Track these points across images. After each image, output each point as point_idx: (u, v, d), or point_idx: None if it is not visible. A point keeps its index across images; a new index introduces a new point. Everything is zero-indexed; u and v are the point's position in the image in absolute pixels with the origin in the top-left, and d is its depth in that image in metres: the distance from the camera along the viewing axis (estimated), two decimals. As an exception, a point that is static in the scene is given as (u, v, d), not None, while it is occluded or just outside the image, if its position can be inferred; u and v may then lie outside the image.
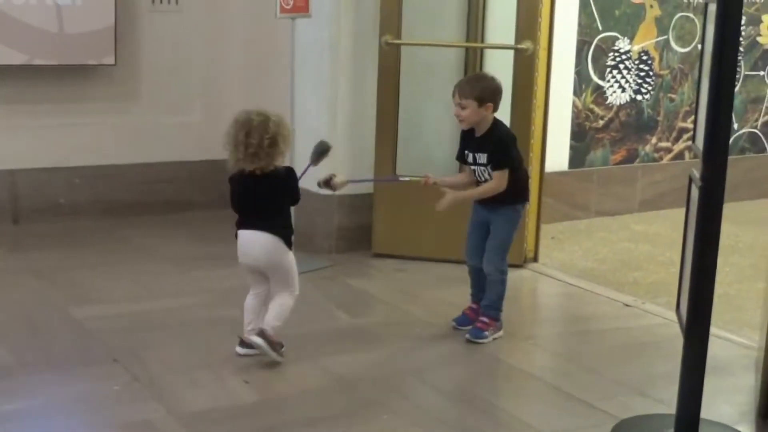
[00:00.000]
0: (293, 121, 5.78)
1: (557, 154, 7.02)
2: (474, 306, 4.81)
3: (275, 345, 4.20)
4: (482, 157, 4.56)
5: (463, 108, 4.51)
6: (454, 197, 4.64)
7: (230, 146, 4.13)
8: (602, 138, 7.49)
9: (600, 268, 6.11)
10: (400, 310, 5.07)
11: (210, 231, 6.56)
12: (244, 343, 4.28)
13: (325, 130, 5.91)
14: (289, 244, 4.25)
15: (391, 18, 5.79)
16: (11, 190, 6.50)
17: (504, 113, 5.72)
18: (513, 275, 5.60)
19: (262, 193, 4.18)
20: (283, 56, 6.12)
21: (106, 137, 6.76)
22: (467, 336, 4.64)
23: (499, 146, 4.55)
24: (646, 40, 7.57)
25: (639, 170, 7.73)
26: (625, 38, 7.44)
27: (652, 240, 6.83)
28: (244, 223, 4.24)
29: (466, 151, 4.64)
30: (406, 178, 5.12)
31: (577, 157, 7.38)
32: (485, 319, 4.64)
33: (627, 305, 5.29)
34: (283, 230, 4.23)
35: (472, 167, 4.63)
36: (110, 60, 6.54)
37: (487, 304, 4.67)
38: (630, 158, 7.69)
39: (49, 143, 6.58)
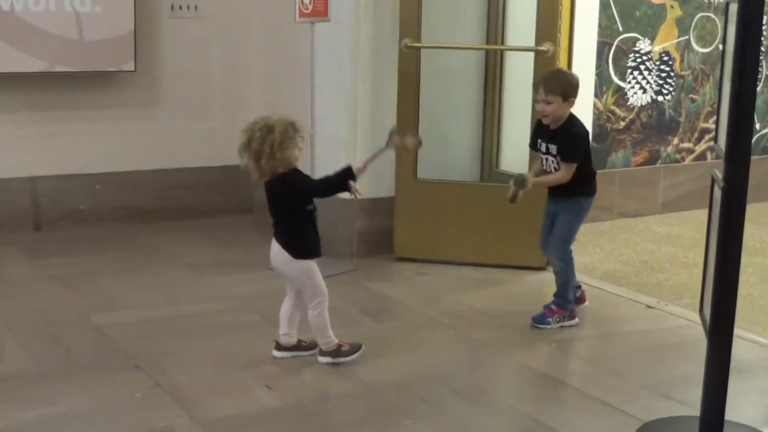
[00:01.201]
0: (313, 126, 5.78)
1: (578, 156, 6.99)
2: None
3: (338, 353, 4.26)
4: (553, 148, 4.73)
5: (548, 104, 4.66)
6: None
7: None
8: (624, 139, 7.45)
9: (623, 269, 6.08)
10: (422, 314, 5.06)
11: (231, 237, 6.57)
12: (279, 347, 4.32)
13: (345, 135, 5.91)
14: (297, 253, 4.15)
15: (410, 21, 5.78)
16: (32, 197, 6.52)
17: (525, 114, 5.72)
18: (534, 278, 5.64)
19: (269, 201, 4.18)
20: (302, 61, 6.11)
21: (127, 143, 6.78)
22: (532, 319, 4.82)
23: (571, 140, 4.70)
24: (667, 40, 7.54)
25: (661, 171, 7.70)
26: (646, 39, 7.41)
27: (674, 241, 6.80)
28: None
29: (539, 140, 4.81)
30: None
31: (598, 159, 7.32)
32: (552, 307, 4.83)
33: (650, 307, 5.27)
34: (288, 240, 4.16)
35: (543, 156, 4.79)
36: (130, 66, 6.56)
37: (555, 292, 4.87)
38: (652, 159, 7.65)
39: (70, 150, 6.60)
